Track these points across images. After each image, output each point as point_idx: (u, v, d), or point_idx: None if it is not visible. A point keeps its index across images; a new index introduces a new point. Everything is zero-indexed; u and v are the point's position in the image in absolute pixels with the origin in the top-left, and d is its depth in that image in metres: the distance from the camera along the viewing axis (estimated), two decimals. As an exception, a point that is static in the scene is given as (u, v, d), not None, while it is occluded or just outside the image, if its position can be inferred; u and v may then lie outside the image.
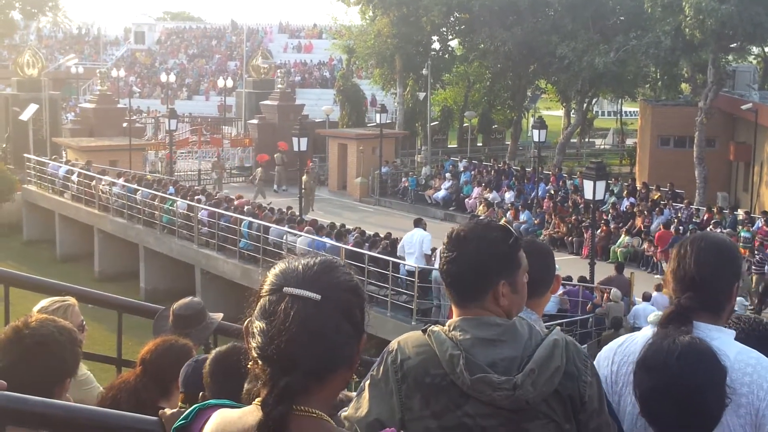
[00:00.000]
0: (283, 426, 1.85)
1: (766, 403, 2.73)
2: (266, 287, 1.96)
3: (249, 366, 1.98)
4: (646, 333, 2.96)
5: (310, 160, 38.77)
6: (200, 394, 3.37)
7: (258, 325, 1.91)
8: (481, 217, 30.66)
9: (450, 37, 51.90)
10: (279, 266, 2.00)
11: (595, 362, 2.88)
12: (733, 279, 2.97)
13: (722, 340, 2.83)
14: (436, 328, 2.67)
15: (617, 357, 2.99)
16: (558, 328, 2.69)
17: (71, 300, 4.63)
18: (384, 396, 2.62)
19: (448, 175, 38.51)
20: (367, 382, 2.69)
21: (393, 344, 2.72)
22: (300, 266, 1.97)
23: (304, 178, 32.58)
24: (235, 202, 28.90)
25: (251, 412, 1.94)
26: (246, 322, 1.97)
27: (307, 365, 1.88)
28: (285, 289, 1.92)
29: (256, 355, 1.91)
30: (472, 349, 2.56)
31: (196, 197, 29.24)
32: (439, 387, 2.58)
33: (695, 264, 2.91)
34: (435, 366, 2.59)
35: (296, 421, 1.88)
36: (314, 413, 1.91)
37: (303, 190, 31.88)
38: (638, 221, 29.46)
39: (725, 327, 2.95)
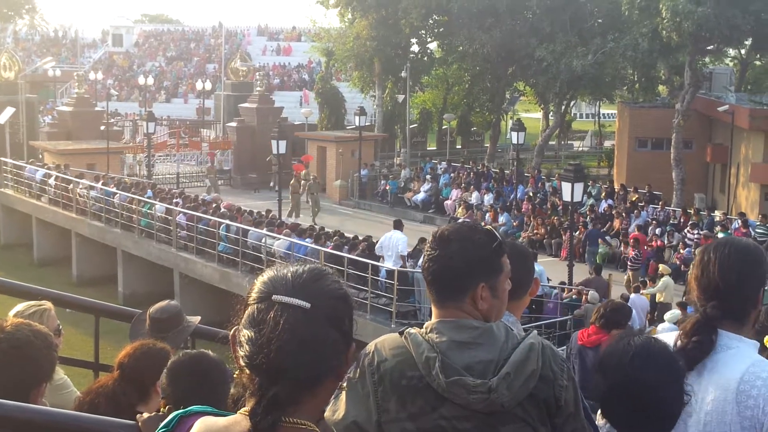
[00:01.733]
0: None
1: None
2: (254, 295, 1.92)
3: (236, 374, 1.95)
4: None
5: (300, 165, 38.51)
6: (161, 399, 3.35)
7: (246, 333, 1.88)
8: (460, 220, 30.78)
9: (429, 39, 52.03)
10: (267, 274, 1.96)
11: None
12: (758, 285, 2.91)
13: (740, 350, 2.80)
14: (413, 330, 2.67)
15: None
16: (535, 331, 2.70)
17: (47, 304, 4.60)
18: (361, 398, 2.62)
19: (428, 177, 38.56)
20: (344, 384, 2.67)
21: (370, 346, 2.71)
22: (289, 274, 1.94)
23: (291, 182, 32.69)
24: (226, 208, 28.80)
25: (237, 422, 1.90)
26: (233, 331, 1.93)
27: (297, 374, 1.85)
28: (274, 297, 1.89)
29: (244, 364, 1.87)
30: (448, 351, 2.56)
31: (174, 200, 29.14)
32: (415, 389, 2.58)
33: (719, 271, 2.85)
34: (411, 368, 2.59)
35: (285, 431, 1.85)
36: (303, 424, 1.89)
37: (292, 194, 32.37)
38: (616, 223, 29.63)
39: (747, 337, 2.89)
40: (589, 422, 2.69)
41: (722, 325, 2.84)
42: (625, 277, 23.48)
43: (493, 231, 2.78)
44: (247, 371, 1.88)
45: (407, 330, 2.68)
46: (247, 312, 1.91)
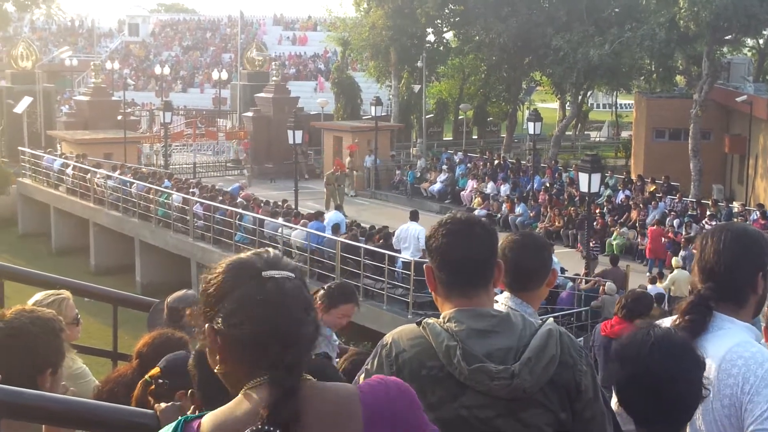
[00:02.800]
0: (297, 398, 1.90)
1: (748, 398, 2.73)
2: (233, 281, 1.98)
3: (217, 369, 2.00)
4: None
5: (339, 162, 38.10)
6: (189, 391, 3.35)
7: (245, 312, 1.93)
8: (477, 210, 30.73)
9: (445, 29, 51.82)
10: (229, 263, 2.03)
11: None
12: (755, 269, 2.93)
13: (730, 331, 2.82)
14: (430, 320, 2.68)
15: None
16: (551, 319, 2.74)
17: (65, 293, 4.63)
18: None
19: (444, 167, 38.48)
20: (361, 376, 2.70)
21: (387, 338, 2.72)
22: (254, 256, 2.04)
23: (327, 173, 32.87)
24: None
25: (240, 403, 1.95)
26: (207, 327, 1.98)
27: (306, 337, 1.96)
28: (265, 273, 1.97)
29: (246, 340, 1.92)
30: (468, 340, 2.58)
31: (190, 190, 29.22)
32: (435, 379, 2.59)
33: (715, 254, 2.90)
34: (431, 358, 2.61)
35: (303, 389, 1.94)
36: (306, 378, 1.99)
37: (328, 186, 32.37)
38: (633, 214, 29.49)
39: (743, 321, 2.90)
40: (607, 408, 2.71)
41: (719, 307, 2.86)
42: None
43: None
44: (250, 348, 1.92)
45: (425, 320, 2.70)
46: (233, 297, 1.96)
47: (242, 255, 2.06)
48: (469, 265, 2.71)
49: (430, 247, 2.78)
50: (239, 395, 1.97)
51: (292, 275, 2.00)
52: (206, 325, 1.99)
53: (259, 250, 2.08)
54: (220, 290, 1.98)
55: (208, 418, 1.98)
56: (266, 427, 1.84)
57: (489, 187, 34.77)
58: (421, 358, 2.62)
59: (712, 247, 2.92)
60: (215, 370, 2.02)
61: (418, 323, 2.70)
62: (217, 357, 1.99)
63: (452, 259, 2.73)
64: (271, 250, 2.09)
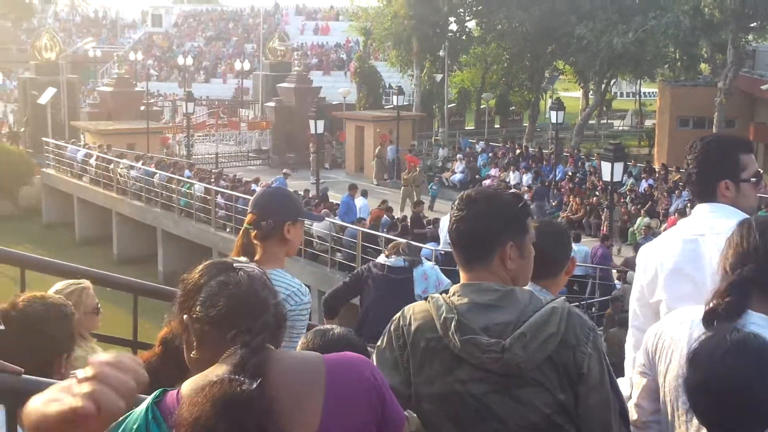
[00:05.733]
0: (262, 356, 2.11)
1: None
2: (209, 275, 2.28)
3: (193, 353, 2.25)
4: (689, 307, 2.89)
5: (414, 159, 37.49)
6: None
7: (220, 295, 2.21)
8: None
9: (467, 18, 51.62)
10: (206, 263, 2.35)
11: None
12: None
13: (765, 331, 2.64)
14: (436, 294, 2.70)
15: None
16: (562, 297, 2.67)
17: (86, 283, 4.65)
18: (390, 363, 2.69)
19: (459, 156, 38.30)
20: (373, 354, 2.75)
21: (398, 314, 2.76)
22: (229, 259, 2.41)
23: (404, 175, 32.54)
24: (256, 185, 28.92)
25: (217, 369, 2.13)
26: (193, 310, 2.23)
27: (271, 314, 2.22)
28: (236, 264, 2.31)
29: (224, 317, 2.17)
30: (468, 313, 2.58)
31: (212, 180, 29.32)
32: (433, 351, 2.61)
33: (761, 237, 2.75)
34: (431, 330, 2.62)
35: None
36: (271, 348, 2.21)
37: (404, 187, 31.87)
38: (661, 205, 29.25)
39: None
40: (616, 396, 2.63)
41: (754, 302, 2.70)
42: None
43: (518, 192, 2.80)
44: (217, 324, 2.18)
45: (432, 294, 2.72)
46: (209, 286, 2.24)
47: (208, 261, 2.40)
48: (471, 240, 2.68)
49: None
50: (216, 364, 2.16)
51: (261, 270, 2.32)
52: (184, 317, 2.25)
53: (233, 258, 2.44)
54: (197, 284, 2.27)
55: (188, 383, 2.15)
56: (236, 377, 2.02)
57: (511, 176, 34.65)
58: (423, 330, 2.64)
59: (756, 231, 2.79)
60: (190, 357, 2.26)
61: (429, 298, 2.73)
62: (194, 343, 2.24)
63: (456, 235, 2.72)
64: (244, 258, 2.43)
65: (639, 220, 27.68)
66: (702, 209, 3.49)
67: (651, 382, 2.88)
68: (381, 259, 7.41)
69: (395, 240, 20.61)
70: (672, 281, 3.42)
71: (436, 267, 8.55)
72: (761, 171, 3.55)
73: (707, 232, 3.38)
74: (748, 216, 3.22)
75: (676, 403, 2.77)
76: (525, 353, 2.48)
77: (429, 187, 32.92)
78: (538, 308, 2.55)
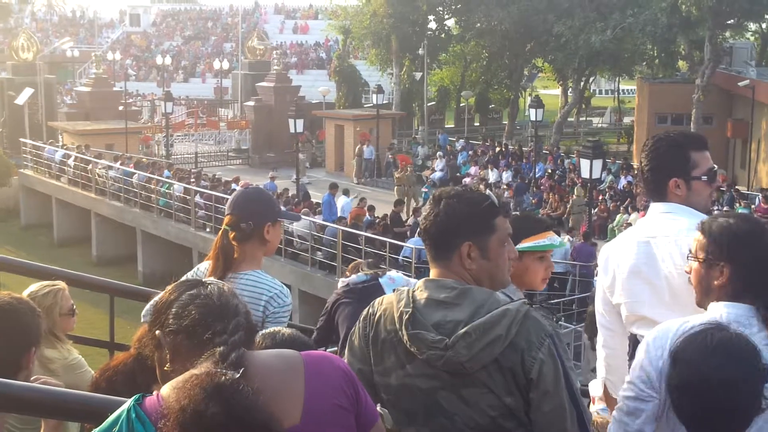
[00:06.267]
0: (242, 350, 2.17)
1: None
2: (179, 291, 2.33)
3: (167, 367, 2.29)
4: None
5: (406, 158, 37.27)
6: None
7: (191, 305, 2.27)
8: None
9: (446, 16, 51.70)
10: (176, 283, 2.40)
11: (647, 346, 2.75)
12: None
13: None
14: (405, 287, 2.72)
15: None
16: (521, 300, 2.63)
17: (61, 284, 4.61)
18: (358, 349, 2.76)
19: (440, 154, 38.33)
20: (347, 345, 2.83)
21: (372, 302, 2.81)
22: (197, 279, 2.47)
23: (396, 174, 32.15)
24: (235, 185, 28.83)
25: (198, 368, 2.14)
26: (165, 324, 2.30)
27: (243, 316, 2.29)
28: (205, 279, 2.41)
29: (197, 323, 2.24)
30: (424, 309, 2.60)
31: (191, 180, 29.21)
32: (391, 343, 2.66)
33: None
34: (390, 322, 2.67)
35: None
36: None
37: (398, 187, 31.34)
38: (639, 202, 29.35)
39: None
40: (574, 405, 2.54)
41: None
42: None
43: (489, 193, 2.79)
44: (190, 333, 2.25)
45: (401, 287, 2.74)
46: (182, 299, 2.31)
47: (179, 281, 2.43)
48: (433, 238, 2.70)
49: None
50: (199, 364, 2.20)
51: (230, 286, 2.39)
52: (157, 332, 2.30)
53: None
54: (168, 300, 2.33)
55: (167, 386, 2.15)
56: (221, 370, 2.06)
57: (491, 174, 34.70)
58: (385, 321, 2.69)
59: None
60: (164, 371, 2.29)
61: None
62: (167, 357, 2.28)
63: (423, 232, 2.76)
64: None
65: (618, 216, 27.79)
66: (656, 209, 3.48)
67: (656, 405, 2.72)
68: (341, 281, 7.43)
69: (374, 238, 20.79)
70: (629, 284, 3.42)
71: (403, 275, 8.54)
72: (715, 168, 3.53)
73: (658, 234, 3.37)
74: (702, 214, 3.28)
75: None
76: (468, 352, 2.47)
77: (426, 186, 32.73)
78: (492, 309, 2.53)
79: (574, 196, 28.78)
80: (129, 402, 2.15)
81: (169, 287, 2.39)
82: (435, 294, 2.61)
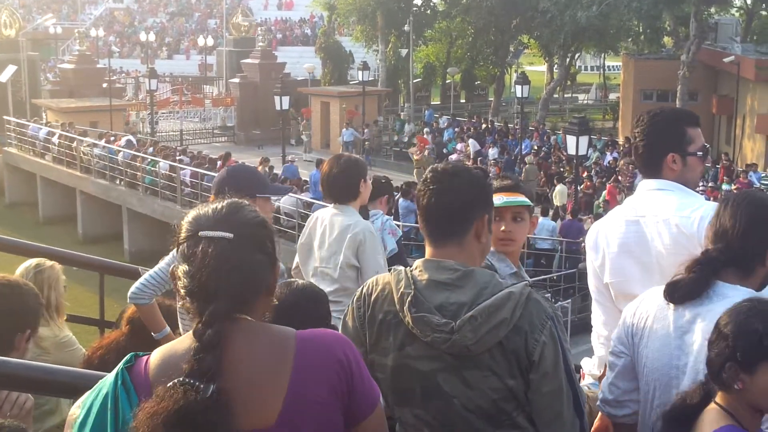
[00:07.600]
0: (215, 346, 2.03)
1: None
2: (183, 234, 2.15)
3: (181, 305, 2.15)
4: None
5: (425, 139, 37.03)
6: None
7: (182, 268, 2.11)
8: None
9: (432, -8, 51.54)
10: (191, 214, 2.19)
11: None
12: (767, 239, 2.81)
13: (734, 298, 2.67)
14: (401, 267, 2.70)
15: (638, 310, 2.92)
16: (525, 282, 2.64)
17: (50, 262, 4.61)
18: (352, 329, 2.74)
19: (426, 130, 38.28)
20: (340, 324, 2.81)
21: (363, 284, 2.80)
22: (210, 210, 2.18)
23: (415, 156, 32.17)
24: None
25: (182, 341, 2.13)
26: (172, 268, 2.14)
27: (228, 293, 2.07)
28: (200, 233, 2.11)
29: (183, 293, 2.10)
30: (425, 290, 2.58)
31: (177, 158, 29.08)
32: (389, 324, 2.64)
33: (731, 217, 2.81)
34: (389, 303, 2.65)
35: (231, 327, 2.09)
36: (245, 318, 2.13)
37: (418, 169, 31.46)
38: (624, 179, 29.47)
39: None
40: (570, 386, 2.57)
41: (725, 275, 2.78)
42: None
43: (484, 168, 2.86)
44: (188, 299, 2.10)
45: (396, 267, 2.71)
46: (179, 250, 2.14)
47: (203, 207, 2.21)
48: (447, 213, 2.66)
49: (416, 196, 2.79)
50: (182, 337, 2.16)
51: (230, 235, 2.10)
52: (173, 266, 2.17)
53: (222, 203, 2.20)
54: (177, 239, 2.18)
55: (158, 352, 2.14)
56: (186, 380, 1.98)
57: (472, 143, 34.68)
58: (382, 302, 2.67)
59: (727, 210, 2.84)
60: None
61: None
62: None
63: (431, 208, 2.68)
64: (232, 201, 2.21)
65: (603, 193, 27.87)
66: (646, 185, 3.50)
67: (628, 362, 2.90)
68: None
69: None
70: (619, 262, 3.46)
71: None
72: (708, 145, 3.59)
73: (647, 213, 3.41)
74: (692, 192, 3.38)
75: (658, 383, 2.80)
76: (474, 336, 2.48)
77: None
78: (495, 292, 2.54)
79: (526, 166, 29.16)
80: (120, 365, 2.14)
81: (188, 219, 2.19)
82: (435, 275, 2.59)
